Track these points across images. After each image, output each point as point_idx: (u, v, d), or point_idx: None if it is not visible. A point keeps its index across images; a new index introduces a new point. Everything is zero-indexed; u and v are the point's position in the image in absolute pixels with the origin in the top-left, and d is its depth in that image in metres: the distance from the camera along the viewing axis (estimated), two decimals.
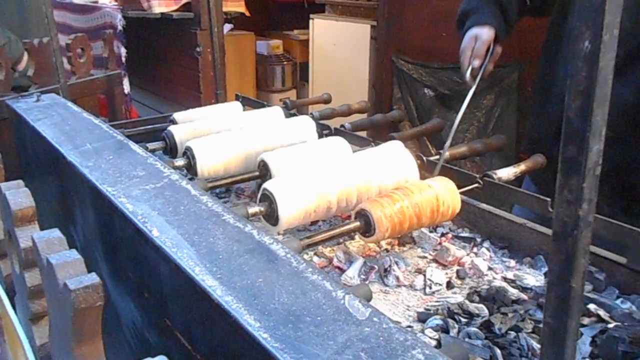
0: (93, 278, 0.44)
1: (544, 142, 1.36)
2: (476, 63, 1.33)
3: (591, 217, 0.40)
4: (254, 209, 0.99)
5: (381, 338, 0.54)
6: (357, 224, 0.95)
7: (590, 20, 0.35)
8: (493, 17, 1.35)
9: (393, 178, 1.09)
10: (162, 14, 2.75)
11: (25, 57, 2.66)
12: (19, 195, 0.59)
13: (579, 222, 0.40)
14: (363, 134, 1.51)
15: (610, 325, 0.82)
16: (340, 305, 0.60)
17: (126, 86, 2.71)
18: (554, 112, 1.37)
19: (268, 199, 0.99)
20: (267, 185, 0.99)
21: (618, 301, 0.90)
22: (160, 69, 3.31)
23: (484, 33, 1.34)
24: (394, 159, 1.11)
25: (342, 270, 1.01)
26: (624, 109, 1.19)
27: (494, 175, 1.10)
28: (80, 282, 0.42)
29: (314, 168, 1.08)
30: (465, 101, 1.28)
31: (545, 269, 1.02)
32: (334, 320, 0.57)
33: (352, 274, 0.99)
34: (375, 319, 0.57)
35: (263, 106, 1.61)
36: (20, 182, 0.66)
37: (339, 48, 4.10)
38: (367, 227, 0.95)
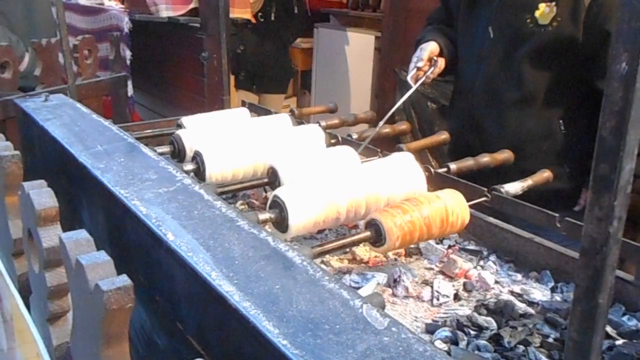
0: (124, 280, 0.44)
1: (458, 132, 1.65)
2: (420, 64, 1.57)
3: (620, 234, 0.41)
4: (264, 215, 0.99)
5: (400, 348, 0.55)
6: (368, 233, 0.96)
7: (628, 43, 0.36)
8: (438, 36, 1.64)
9: (402, 189, 1.09)
10: (169, 18, 2.76)
11: (27, 58, 2.66)
12: (43, 195, 0.60)
13: (608, 239, 0.40)
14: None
15: (619, 342, 0.82)
16: (358, 314, 0.60)
17: (129, 89, 2.71)
18: (463, 107, 1.68)
19: (278, 206, 1.00)
20: (278, 192, 1.00)
21: (624, 318, 0.91)
22: (165, 73, 3.31)
23: (429, 44, 1.60)
24: (402, 170, 1.12)
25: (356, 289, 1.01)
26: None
27: (502, 190, 1.11)
28: (113, 284, 0.42)
29: (323, 176, 1.08)
30: (402, 99, 1.53)
31: (551, 284, 1.03)
32: (352, 328, 0.58)
33: (366, 293, 0.99)
34: (393, 328, 0.58)
35: (269, 113, 1.62)
36: (43, 182, 0.67)
37: (343, 58, 4.12)
38: (377, 237, 0.96)
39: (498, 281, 1.05)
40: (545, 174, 1.21)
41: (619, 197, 0.39)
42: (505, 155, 1.32)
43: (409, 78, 1.58)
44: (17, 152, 0.80)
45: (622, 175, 0.39)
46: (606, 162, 0.39)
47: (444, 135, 1.43)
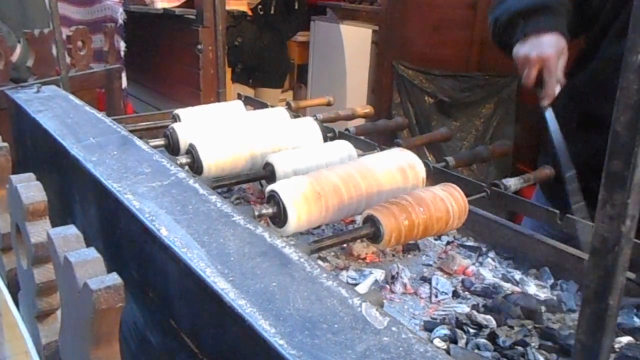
0: (114, 278, 0.42)
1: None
2: (547, 100, 1.15)
3: (633, 233, 0.39)
4: (260, 211, 0.97)
5: (401, 348, 0.53)
6: (366, 230, 0.94)
7: None
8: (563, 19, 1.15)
9: (401, 184, 1.08)
10: (164, 9, 2.73)
11: (18, 49, 2.62)
12: (31, 189, 0.57)
13: (620, 238, 0.39)
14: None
15: (621, 340, 0.81)
16: (357, 313, 0.58)
17: (123, 81, 2.68)
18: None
19: (275, 201, 0.98)
20: (275, 187, 0.98)
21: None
22: (159, 65, 3.28)
23: (555, 43, 1.11)
24: (402, 165, 1.10)
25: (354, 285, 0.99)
26: None
27: (502, 186, 1.10)
28: (102, 282, 0.40)
29: (321, 170, 1.07)
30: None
31: (551, 281, 1.01)
32: (351, 328, 0.56)
33: (363, 290, 0.97)
34: (393, 328, 0.56)
35: (265, 106, 1.60)
36: (32, 175, 0.65)
37: (340, 51, 4.09)
38: (375, 233, 0.94)
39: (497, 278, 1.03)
40: (546, 170, 1.19)
41: (632, 195, 0.38)
42: (504, 148, 1.31)
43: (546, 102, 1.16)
44: (6, 144, 0.78)
45: (636, 172, 0.37)
46: (619, 158, 0.37)
47: (443, 132, 1.41)
